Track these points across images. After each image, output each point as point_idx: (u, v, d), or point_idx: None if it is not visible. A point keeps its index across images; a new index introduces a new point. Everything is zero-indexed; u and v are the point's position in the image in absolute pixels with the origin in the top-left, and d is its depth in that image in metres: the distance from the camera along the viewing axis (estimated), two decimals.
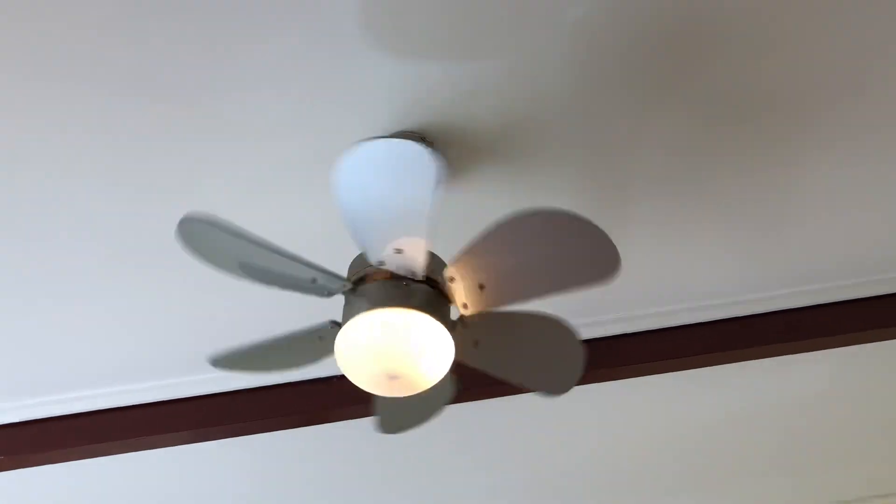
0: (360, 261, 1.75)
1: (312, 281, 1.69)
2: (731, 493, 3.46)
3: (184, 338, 2.40)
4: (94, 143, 1.88)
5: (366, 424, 2.65)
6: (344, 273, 1.75)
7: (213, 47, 1.69)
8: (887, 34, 1.83)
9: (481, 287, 1.69)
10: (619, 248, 1.60)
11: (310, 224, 2.07)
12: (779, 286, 2.55)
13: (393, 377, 1.68)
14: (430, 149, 1.48)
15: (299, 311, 1.88)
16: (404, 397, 1.76)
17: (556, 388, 1.99)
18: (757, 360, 2.70)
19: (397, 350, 1.68)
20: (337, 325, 1.73)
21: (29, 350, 2.40)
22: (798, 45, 1.83)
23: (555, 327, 1.84)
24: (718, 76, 1.88)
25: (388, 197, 1.53)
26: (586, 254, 1.66)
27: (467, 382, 2.00)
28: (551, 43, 1.76)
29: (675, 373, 2.70)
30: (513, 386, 2.00)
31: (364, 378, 1.71)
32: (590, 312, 2.42)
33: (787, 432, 3.16)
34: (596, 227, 1.58)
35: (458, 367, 1.80)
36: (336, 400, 2.49)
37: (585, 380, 2.58)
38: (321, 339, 1.80)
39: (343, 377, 1.77)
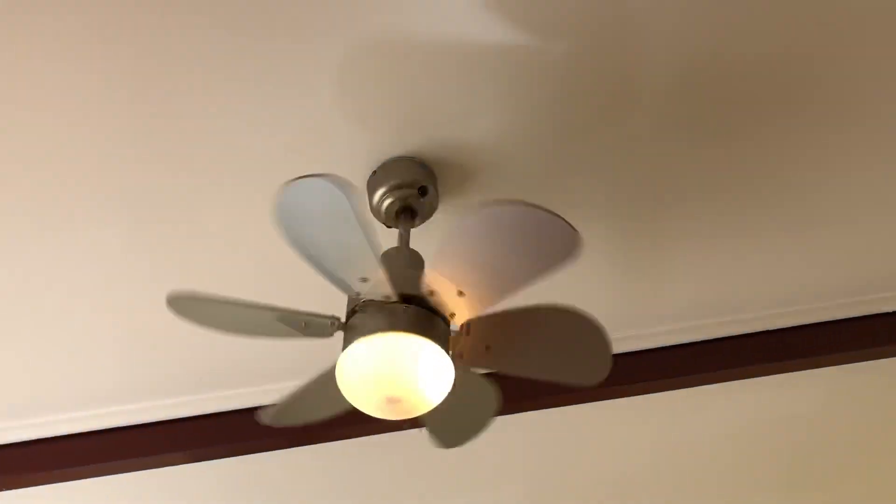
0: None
1: (305, 326, 1.73)
2: None
3: (184, 357, 2.38)
4: (94, 161, 1.88)
5: (364, 443, 2.67)
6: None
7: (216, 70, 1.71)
8: None
9: (460, 293, 1.69)
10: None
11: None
12: (777, 305, 2.55)
13: (392, 401, 1.68)
14: (344, 186, 1.47)
15: None
16: (449, 410, 1.78)
17: (587, 376, 1.92)
18: (758, 378, 2.70)
19: (390, 374, 1.68)
20: (336, 324, 1.74)
21: (18, 371, 2.37)
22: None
23: (565, 316, 1.81)
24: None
25: (323, 236, 1.57)
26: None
27: None
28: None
29: (676, 390, 2.69)
30: (518, 400, 2.07)
31: (368, 405, 1.71)
32: None
33: (788, 449, 3.14)
34: (547, 211, 1.54)
35: (491, 375, 1.88)
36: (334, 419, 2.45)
37: (585, 398, 2.61)
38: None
39: None
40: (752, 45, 1.79)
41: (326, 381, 1.81)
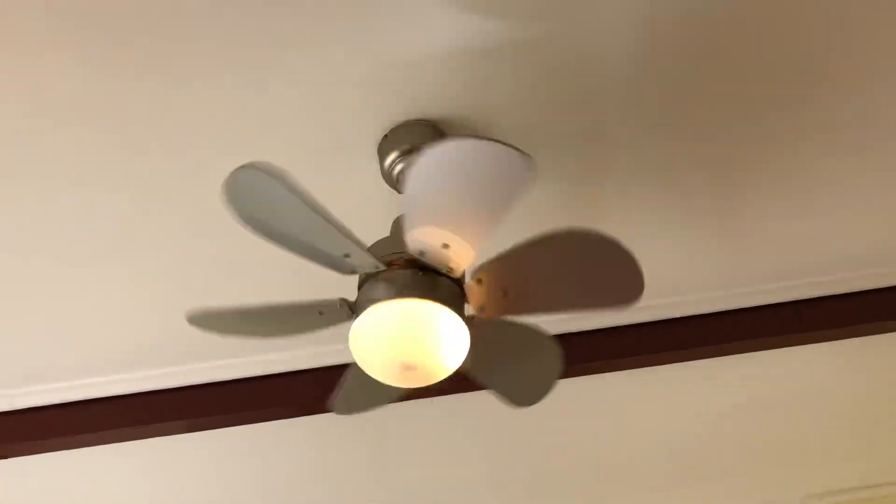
0: (386, 244, 1.72)
1: (345, 255, 1.62)
2: (729, 483, 3.43)
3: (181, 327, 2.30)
4: (103, 136, 1.84)
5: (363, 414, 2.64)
6: None
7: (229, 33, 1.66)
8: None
9: (505, 293, 1.68)
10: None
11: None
12: (780, 278, 2.53)
13: (409, 368, 1.65)
14: (528, 158, 1.43)
15: None
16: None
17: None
18: (759, 352, 2.68)
19: (417, 341, 1.64)
20: (346, 305, 1.70)
21: (20, 338, 2.32)
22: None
23: (542, 341, 1.86)
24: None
25: (468, 194, 1.49)
26: (612, 276, 1.70)
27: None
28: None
29: (677, 364, 2.66)
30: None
31: (376, 366, 1.67)
32: None
33: (787, 423, 3.14)
34: (627, 252, 1.60)
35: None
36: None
37: (582, 371, 2.58)
38: (321, 314, 1.74)
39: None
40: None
41: (291, 311, 1.79)
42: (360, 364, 1.69)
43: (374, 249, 1.70)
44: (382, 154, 1.91)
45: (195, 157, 1.92)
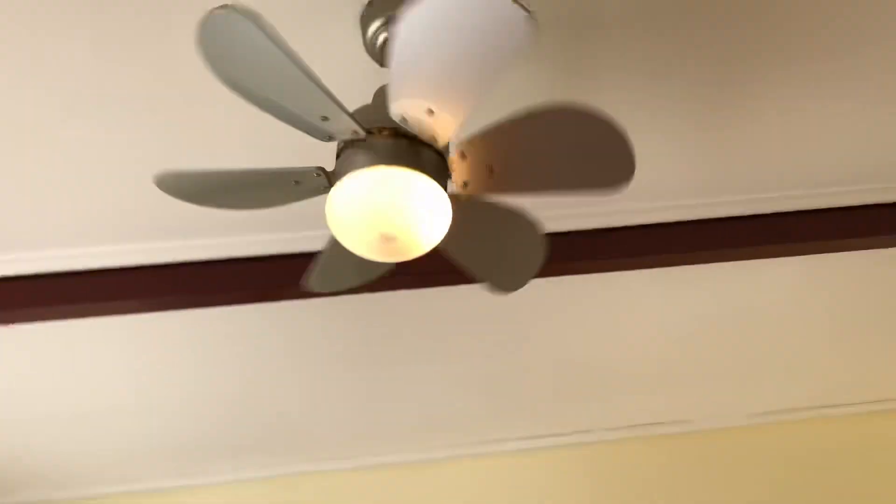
0: (368, 112, 1.63)
1: (323, 118, 1.52)
2: (679, 395, 3.49)
3: (149, 201, 2.20)
4: None
5: (328, 303, 2.59)
6: None
7: None
8: None
9: (490, 170, 1.61)
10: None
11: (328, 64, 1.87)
12: (755, 190, 2.52)
13: (388, 239, 1.58)
14: (529, 15, 1.31)
15: None
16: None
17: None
18: (727, 263, 2.69)
19: (399, 211, 1.57)
20: (323, 173, 1.63)
21: None
22: None
23: (525, 226, 1.79)
24: None
25: (457, 52, 1.37)
26: (603, 156, 1.59)
27: (438, 267, 1.92)
28: None
29: (647, 270, 2.67)
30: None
31: (355, 237, 1.61)
32: (565, 204, 2.33)
33: (743, 339, 3.19)
34: (620, 131, 1.51)
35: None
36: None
37: (550, 272, 2.55)
38: (297, 183, 1.67)
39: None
40: None
41: (265, 178, 1.69)
42: (336, 235, 1.62)
43: (358, 115, 1.60)
44: (365, 23, 1.80)
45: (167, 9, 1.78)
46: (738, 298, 2.96)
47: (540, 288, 2.38)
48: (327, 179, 1.65)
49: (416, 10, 1.30)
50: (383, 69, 1.78)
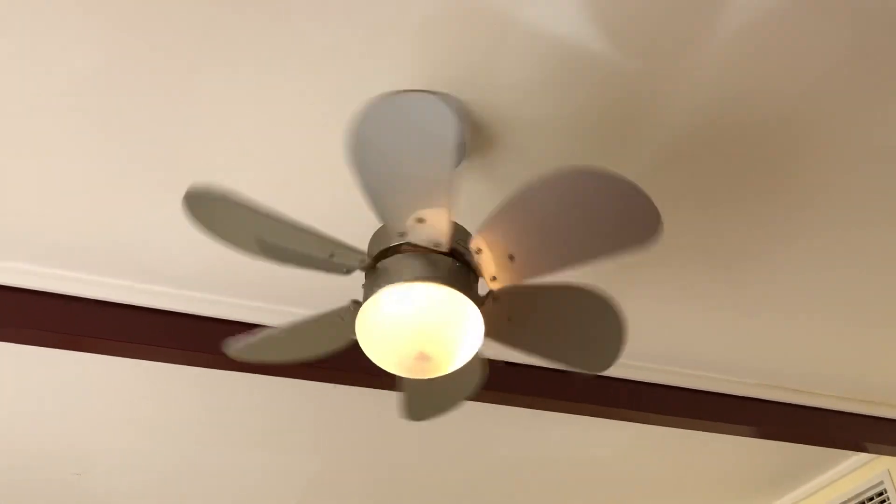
0: (381, 234, 1.63)
1: (330, 256, 1.55)
2: None
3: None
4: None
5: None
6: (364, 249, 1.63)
7: None
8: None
9: (511, 258, 1.56)
10: None
11: (330, 194, 1.91)
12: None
13: (423, 358, 1.56)
14: (451, 105, 1.33)
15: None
16: (432, 381, 1.66)
17: (594, 365, 1.82)
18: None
19: (423, 328, 1.55)
20: (358, 304, 1.61)
21: None
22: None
23: (591, 299, 1.68)
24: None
25: (406, 160, 1.38)
26: (623, 215, 1.46)
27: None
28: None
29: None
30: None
31: (391, 361, 1.59)
32: None
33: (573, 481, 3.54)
34: (632, 184, 1.41)
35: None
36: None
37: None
38: (343, 319, 1.68)
39: None
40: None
41: (316, 325, 1.71)
42: (362, 338, 1.59)
43: (373, 241, 1.64)
44: None
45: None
46: (578, 446, 3.25)
47: None
48: (366, 271, 1.62)
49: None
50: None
